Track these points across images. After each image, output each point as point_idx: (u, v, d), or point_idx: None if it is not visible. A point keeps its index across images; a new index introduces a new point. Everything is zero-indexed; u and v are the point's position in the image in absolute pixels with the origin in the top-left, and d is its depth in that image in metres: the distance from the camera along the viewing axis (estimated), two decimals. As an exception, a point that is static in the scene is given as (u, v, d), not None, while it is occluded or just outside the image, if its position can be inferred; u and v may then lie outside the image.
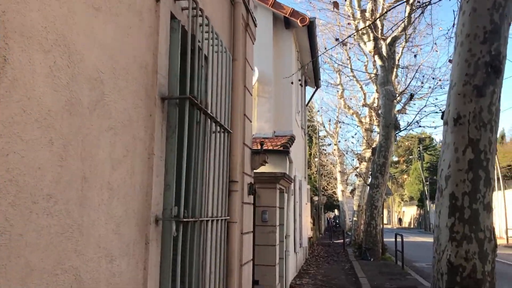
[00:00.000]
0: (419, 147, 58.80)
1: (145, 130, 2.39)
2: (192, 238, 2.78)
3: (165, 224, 2.55)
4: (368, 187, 15.79)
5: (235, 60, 4.43)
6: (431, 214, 48.70)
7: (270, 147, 9.45)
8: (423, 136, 60.45)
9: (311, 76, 15.54)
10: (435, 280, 4.45)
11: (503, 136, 53.83)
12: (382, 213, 15.33)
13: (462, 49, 4.65)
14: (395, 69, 15.85)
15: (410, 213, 66.32)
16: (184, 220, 2.59)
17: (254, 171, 7.69)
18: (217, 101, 3.48)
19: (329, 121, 24.05)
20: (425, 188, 50.31)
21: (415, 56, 28.96)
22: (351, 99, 22.52)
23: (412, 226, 62.00)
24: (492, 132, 4.43)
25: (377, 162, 14.92)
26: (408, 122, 16.15)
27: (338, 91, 23.32)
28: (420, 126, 14.52)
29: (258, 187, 7.60)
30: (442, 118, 5.02)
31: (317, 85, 16.11)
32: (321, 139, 45.26)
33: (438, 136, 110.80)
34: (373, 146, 15.79)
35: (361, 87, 21.21)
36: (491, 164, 4.40)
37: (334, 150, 34.76)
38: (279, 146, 9.22)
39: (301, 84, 11.60)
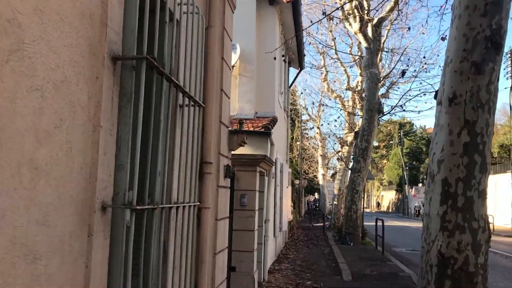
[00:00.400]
0: (400, 133, 59.29)
1: (88, 96, 1.91)
2: (150, 227, 2.34)
3: (115, 212, 2.10)
4: (350, 171, 15.56)
5: (211, 27, 3.93)
6: (410, 199, 49.37)
7: (251, 129, 9.02)
8: (403, 121, 61.06)
9: (295, 57, 15.06)
10: (423, 272, 4.14)
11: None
12: (364, 197, 15.16)
13: (460, 23, 4.26)
14: (380, 53, 15.47)
15: (388, 197, 67.26)
16: (141, 207, 2.15)
17: (232, 152, 7.27)
18: (187, 70, 3.01)
19: (312, 103, 23.54)
20: (405, 173, 50.82)
21: (402, 36, 28.61)
22: (334, 81, 22.15)
23: (390, 210, 62.94)
24: (490, 113, 4.08)
25: (359, 146, 14.66)
26: (391, 107, 15.84)
27: (322, 73, 22.93)
28: (404, 110, 14.17)
29: (237, 169, 7.19)
30: (435, 98, 4.66)
31: (301, 66, 15.66)
32: (304, 123, 45.09)
33: (419, 121, 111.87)
34: (356, 130, 15.52)
35: (345, 70, 20.87)
36: (487, 148, 4.06)
37: (316, 133, 34.55)
38: (260, 128, 8.79)
39: (284, 60, 11.12)
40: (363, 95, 14.63)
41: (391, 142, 60.55)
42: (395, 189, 61.22)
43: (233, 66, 10.47)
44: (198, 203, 3.15)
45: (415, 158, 59.34)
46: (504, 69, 23.02)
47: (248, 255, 7.08)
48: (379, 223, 12.84)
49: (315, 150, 38.99)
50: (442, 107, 4.30)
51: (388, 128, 60.16)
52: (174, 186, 2.86)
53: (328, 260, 11.50)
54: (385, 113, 14.75)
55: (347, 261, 10.71)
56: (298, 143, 38.64)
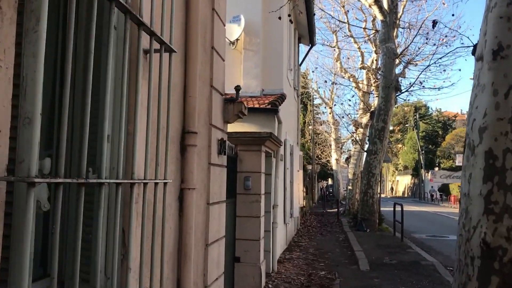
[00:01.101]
0: (415, 116, 57.80)
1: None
2: (97, 211, 1.61)
3: (18, 188, 1.38)
4: (365, 153, 14.71)
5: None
6: (426, 183, 48.24)
7: (256, 106, 8.26)
8: (419, 105, 59.44)
9: (305, 32, 14.16)
10: (462, 265, 3.37)
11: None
12: (380, 181, 14.34)
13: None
14: (396, 28, 14.44)
15: (404, 182, 66.06)
16: (62, 181, 1.41)
17: (235, 130, 6.52)
18: (157, 7, 2.24)
19: (325, 82, 22.40)
20: (421, 157, 49.58)
21: (419, 10, 27.14)
22: (348, 58, 21.02)
23: (406, 195, 61.82)
24: (546, 67, 3.25)
25: (375, 126, 13.78)
26: (410, 84, 14.84)
27: (334, 51, 21.93)
28: (423, 87, 13.20)
29: (240, 149, 6.47)
30: (473, 53, 3.83)
31: (312, 42, 14.75)
32: (316, 107, 44.05)
33: (435, 103, 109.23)
34: (372, 110, 14.62)
35: (359, 48, 19.84)
36: (543, 110, 3.23)
37: (330, 116, 33.55)
38: (266, 105, 8.02)
39: (290, 21, 10.22)
40: (379, 72, 13.67)
41: (406, 125, 59.11)
42: (410, 173, 60.01)
43: (237, 40, 9.68)
44: (169, 181, 2.40)
45: (431, 141, 57.97)
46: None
47: (253, 244, 6.38)
48: (398, 208, 12.04)
49: (328, 134, 38.10)
50: (483, 63, 3.48)
51: (404, 110, 58.74)
52: (139, 157, 2.12)
53: (343, 248, 10.77)
54: (402, 91, 13.80)
55: (363, 248, 9.97)
56: (310, 127, 37.72)
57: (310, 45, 14.82)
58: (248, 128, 7.52)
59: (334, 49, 21.97)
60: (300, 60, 15.13)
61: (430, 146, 56.51)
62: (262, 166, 6.49)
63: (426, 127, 59.20)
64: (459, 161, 42.52)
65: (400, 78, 14.13)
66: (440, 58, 17.60)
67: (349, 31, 19.30)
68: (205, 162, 3.46)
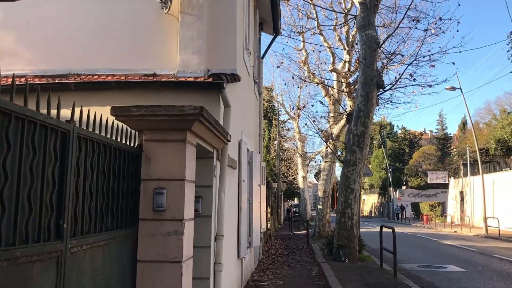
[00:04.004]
0: (381, 133, 56.49)
1: None
2: None
3: None
4: (340, 165, 12.07)
5: None
6: (395, 202, 46.48)
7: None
8: (384, 123, 58.24)
9: (268, 17, 11.58)
10: None
11: (464, 123, 52.40)
12: (359, 199, 11.70)
13: None
14: (376, 12, 12.05)
15: (370, 201, 64.39)
16: None
17: (138, 103, 3.68)
18: None
19: (292, 78, 19.59)
20: (389, 175, 47.90)
21: None
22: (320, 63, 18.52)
23: (373, 215, 60.01)
24: None
25: (354, 131, 11.22)
26: (395, 78, 12.40)
27: (301, 55, 19.52)
28: (414, 80, 10.81)
29: (148, 139, 3.61)
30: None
31: (276, 31, 12.17)
32: (282, 123, 41.76)
33: (401, 122, 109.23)
34: (349, 112, 12.08)
35: (329, 47, 17.48)
36: None
37: (296, 131, 31.16)
38: (206, 78, 5.20)
39: None
40: (360, 61, 11.17)
41: (373, 142, 57.71)
42: (378, 192, 58.38)
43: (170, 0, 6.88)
44: None
45: (398, 159, 56.69)
46: (508, 51, 20.13)
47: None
48: (386, 231, 9.42)
49: (295, 151, 35.73)
50: None
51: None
52: None
53: (318, 288, 7.95)
54: (386, 88, 11.34)
55: (347, 291, 7.18)
56: (275, 142, 35.20)
57: (274, 33, 12.23)
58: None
59: (301, 52, 19.58)
60: (263, 52, 12.49)
61: (397, 164, 55.15)
62: (187, 168, 3.63)
63: (392, 145, 58.02)
64: (430, 178, 40.92)
65: (383, 73, 11.68)
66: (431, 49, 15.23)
67: (318, 27, 16.93)
68: None
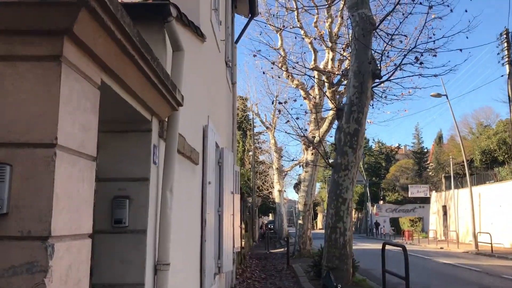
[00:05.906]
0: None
1: None
2: None
3: None
4: (332, 169, 10.16)
5: None
6: (373, 218, 45.01)
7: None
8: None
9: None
10: None
11: (440, 137, 51.93)
12: (351, 212, 9.76)
13: None
14: (369, -6, 10.36)
15: (347, 217, 62.78)
16: None
17: None
18: None
19: (273, 63, 17.66)
20: (367, 189, 46.50)
21: None
22: (296, 64, 16.77)
23: (350, 231, 58.29)
24: None
25: (345, 129, 9.38)
26: (395, 65, 10.52)
27: (278, 56, 17.76)
28: (421, 63, 9.13)
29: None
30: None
31: (252, 12, 10.32)
32: (256, 135, 39.95)
33: (377, 135, 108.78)
34: (339, 107, 10.24)
35: (310, 43, 15.76)
36: None
37: (272, 143, 29.32)
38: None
39: None
40: (352, 40, 9.34)
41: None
42: (354, 207, 56.92)
43: None
44: None
45: (374, 173, 55.52)
46: (499, 53, 18.95)
47: None
48: (391, 249, 7.51)
49: (270, 164, 33.92)
50: None
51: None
52: None
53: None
54: (383, 79, 9.57)
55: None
56: (250, 153, 33.22)
57: (250, 15, 10.36)
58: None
59: (279, 52, 17.83)
60: (237, 36, 10.57)
61: (373, 178, 53.95)
62: (65, 121, 1.58)
63: (368, 159, 56.92)
64: (411, 192, 39.65)
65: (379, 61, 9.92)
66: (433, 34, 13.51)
67: (298, 21, 15.22)
68: None
